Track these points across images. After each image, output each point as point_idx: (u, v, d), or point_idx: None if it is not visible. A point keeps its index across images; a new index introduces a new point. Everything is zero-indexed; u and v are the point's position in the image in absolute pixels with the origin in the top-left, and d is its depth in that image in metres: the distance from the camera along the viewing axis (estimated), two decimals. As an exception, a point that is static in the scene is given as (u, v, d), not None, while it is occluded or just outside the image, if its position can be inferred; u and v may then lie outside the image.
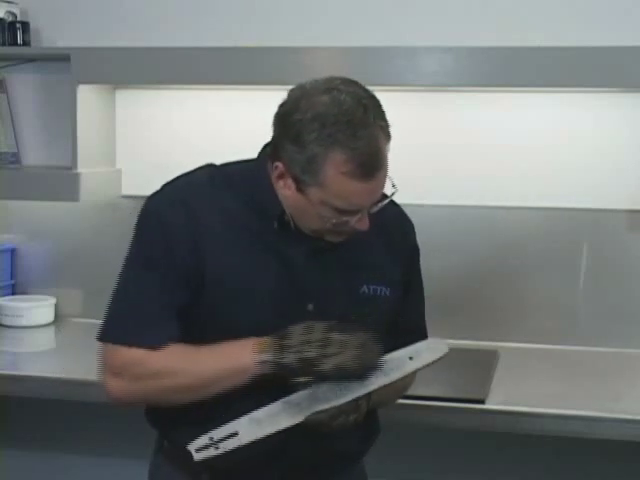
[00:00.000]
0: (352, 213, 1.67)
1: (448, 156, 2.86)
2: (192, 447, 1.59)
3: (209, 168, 1.81)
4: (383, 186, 1.69)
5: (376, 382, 1.67)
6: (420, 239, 1.92)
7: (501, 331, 2.83)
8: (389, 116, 1.67)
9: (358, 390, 1.66)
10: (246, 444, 1.61)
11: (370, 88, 1.68)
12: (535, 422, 2.23)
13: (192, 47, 2.80)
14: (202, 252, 1.70)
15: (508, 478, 2.72)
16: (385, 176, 1.68)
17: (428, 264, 1.95)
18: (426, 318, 1.96)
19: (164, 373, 1.69)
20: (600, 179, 2.80)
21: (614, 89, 2.68)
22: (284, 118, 1.65)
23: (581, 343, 2.80)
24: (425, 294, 1.95)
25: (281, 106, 1.68)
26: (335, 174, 1.61)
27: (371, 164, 1.62)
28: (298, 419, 1.63)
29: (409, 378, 1.86)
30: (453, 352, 1.78)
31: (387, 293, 1.80)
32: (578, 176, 2.80)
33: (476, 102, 2.82)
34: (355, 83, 1.68)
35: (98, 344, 1.75)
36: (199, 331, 1.72)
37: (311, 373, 1.64)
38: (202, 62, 2.76)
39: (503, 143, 2.84)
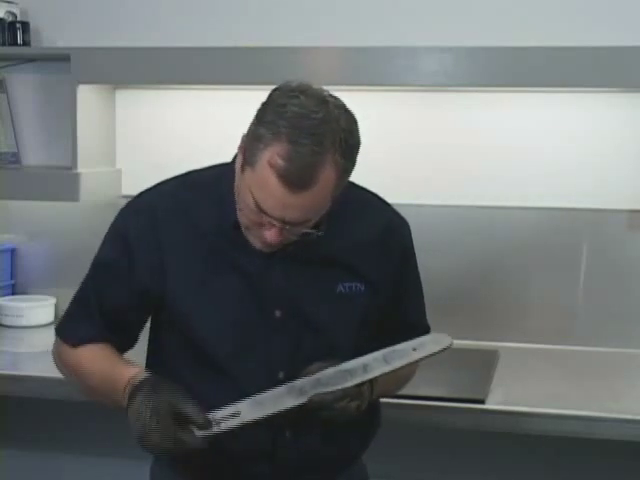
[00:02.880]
0: (267, 215, 1.61)
1: (448, 156, 2.86)
2: (194, 426, 1.61)
3: (189, 174, 1.83)
4: (304, 214, 1.62)
5: (378, 369, 1.70)
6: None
7: (501, 331, 2.83)
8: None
9: (361, 376, 1.68)
10: (248, 423, 1.62)
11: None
12: (535, 422, 2.23)
13: (192, 47, 2.80)
14: (163, 263, 1.74)
15: (508, 478, 2.72)
16: (311, 207, 1.61)
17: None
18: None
19: (75, 369, 1.83)
20: (600, 179, 2.80)
21: (614, 89, 2.68)
22: (270, 92, 1.64)
23: (581, 343, 2.80)
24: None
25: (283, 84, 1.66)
26: (265, 163, 1.57)
27: (298, 176, 1.56)
28: (301, 400, 1.64)
29: (411, 370, 1.88)
30: (453, 352, 1.78)
31: (362, 289, 1.79)
32: (578, 176, 2.80)
33: (476, 102, 2.82)
34: (351, 116, 1.62)
35: None
36: (177, 330, 1.77)
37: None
38: (202, 62, 2.76)
39: (503, 143, 2.84)
